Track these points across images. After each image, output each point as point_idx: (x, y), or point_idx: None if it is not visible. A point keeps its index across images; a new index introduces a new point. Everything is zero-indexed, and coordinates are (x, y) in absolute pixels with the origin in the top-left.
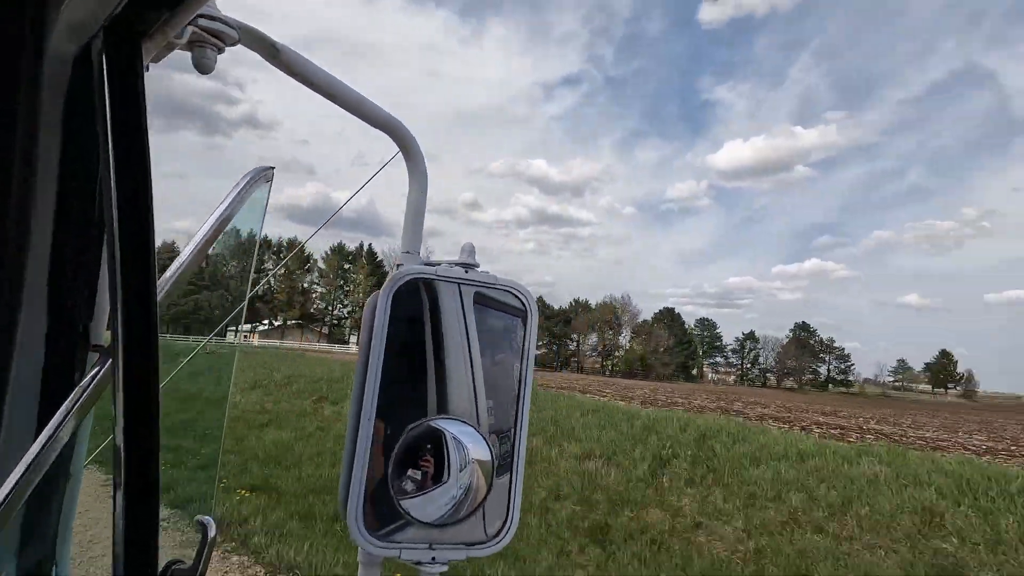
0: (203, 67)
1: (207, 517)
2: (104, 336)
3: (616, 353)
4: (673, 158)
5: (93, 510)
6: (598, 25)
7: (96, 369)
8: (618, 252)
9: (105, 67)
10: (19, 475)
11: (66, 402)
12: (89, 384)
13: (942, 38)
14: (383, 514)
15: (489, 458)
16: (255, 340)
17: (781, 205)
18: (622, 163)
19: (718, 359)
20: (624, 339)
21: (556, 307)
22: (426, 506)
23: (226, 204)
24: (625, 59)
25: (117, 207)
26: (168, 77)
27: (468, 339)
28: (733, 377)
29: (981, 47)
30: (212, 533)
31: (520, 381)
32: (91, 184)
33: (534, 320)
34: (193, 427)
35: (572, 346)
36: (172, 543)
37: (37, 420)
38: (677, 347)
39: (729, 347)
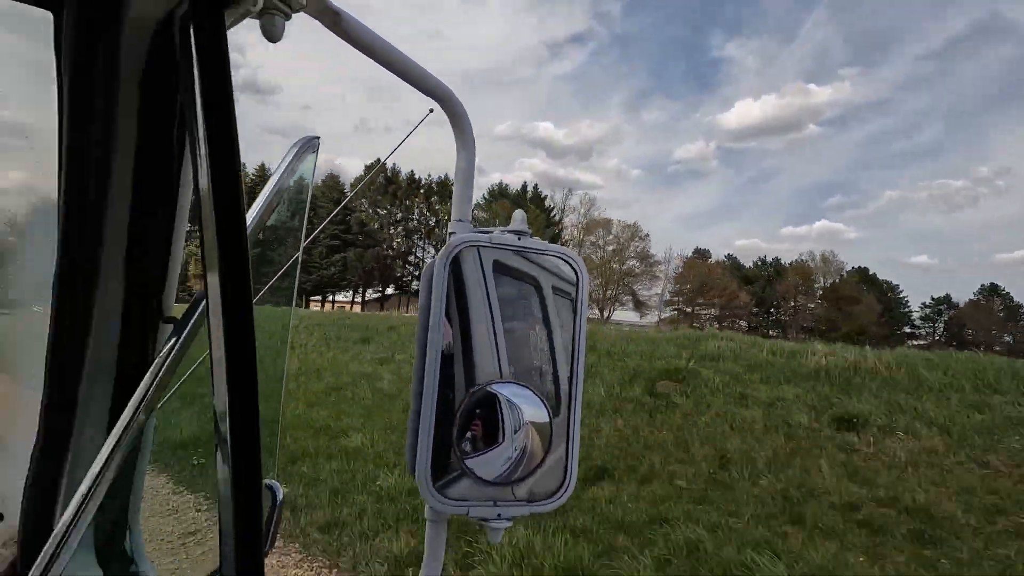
0: (272, 35)
1: (273, 481)
2: (175, 309)
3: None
4: (681, 118)
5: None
6: None
7: (172, 340)
8: (626, 214)
9: (193, 36)
10: (111, 446)
11: (148, 373)
12: (168, 356)
13: None
14: (448, 476)
15: (547, 420)
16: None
17: (790, 165)
18: (630, 124)
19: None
20: (814, 304)
21: (749, 265)
22: (487, 466)
23: (278, 176)
24: (633, 15)
25: (211, 178)
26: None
27: (522, 305)
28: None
29: None
30: (280, 497)
31: (574, 346)
32: (167, 158)
33: (585, 286)
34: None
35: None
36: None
37: (115, 390)
38: (883, 314)
39: (915, 313)
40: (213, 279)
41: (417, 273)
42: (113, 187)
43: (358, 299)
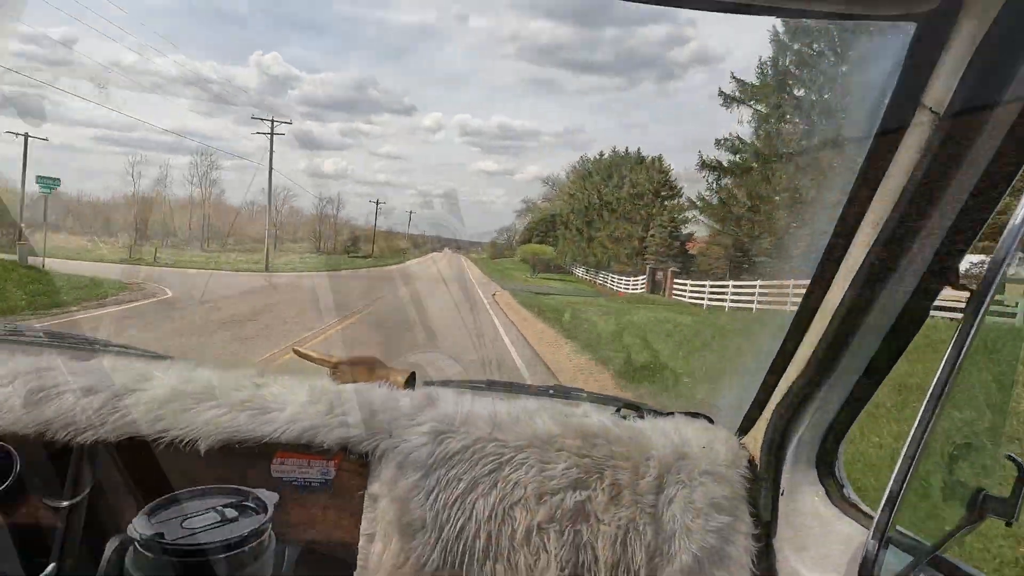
0: None
1: (1013, 456)
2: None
3: None
4: None
5: None
6: None
7: (972, 312)
8: None
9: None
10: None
11: (951, 346)
12: (971, 325)
13: None
14: None
15: None
16: None
17: None
18: None
19: None
20: None
21: None
22: None
23: None
24: None
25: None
26: (602, 35)
27: None
28: None
29: None
30: None
31: None
32: (991, 138)
33: None
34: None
35: None
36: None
37: (883, 342)
38: None
39: None
40: None
41: None
42: (946, 194)
43: None
